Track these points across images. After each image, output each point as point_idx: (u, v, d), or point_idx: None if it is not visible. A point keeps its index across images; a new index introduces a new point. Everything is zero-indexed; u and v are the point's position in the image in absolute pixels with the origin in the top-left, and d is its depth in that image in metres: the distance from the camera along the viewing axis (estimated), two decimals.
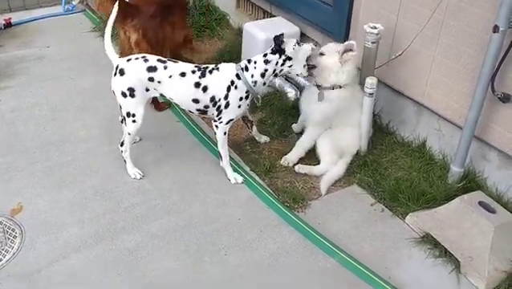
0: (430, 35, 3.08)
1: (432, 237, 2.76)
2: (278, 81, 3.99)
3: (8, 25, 4.98)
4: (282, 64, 2.95)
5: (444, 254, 2.70)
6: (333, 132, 3.29)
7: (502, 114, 2.84)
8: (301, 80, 3.85)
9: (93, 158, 3.33)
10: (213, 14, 5.12)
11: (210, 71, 2.97)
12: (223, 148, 3.13)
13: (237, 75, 2.95)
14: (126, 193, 3.07)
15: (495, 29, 2.57)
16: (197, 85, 2.94)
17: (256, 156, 3.42)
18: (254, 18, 4.77)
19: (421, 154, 3.32)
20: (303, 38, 4.11)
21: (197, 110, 3.05)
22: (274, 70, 2.96)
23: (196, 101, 2.98)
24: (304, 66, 2.99)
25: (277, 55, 2.92)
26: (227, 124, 3.04)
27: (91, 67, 4.34)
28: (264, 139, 3.52)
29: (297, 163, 3.32)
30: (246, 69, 2.95)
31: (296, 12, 4.11)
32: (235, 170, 3.22)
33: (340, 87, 3.14)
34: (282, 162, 3.33)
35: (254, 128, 3.46)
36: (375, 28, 3.14)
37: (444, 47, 3.05)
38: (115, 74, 2.95)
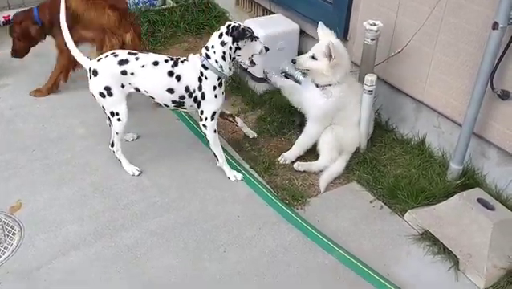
0: (429, 32, 3.08)
1: (430, 234, 2.77)
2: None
3: (7, 22, 4.95)
4: (235, 51, 2.93)
5: (443, 251, 2.70)
6: (336, 129, 3.27)
7: (501, 111, 2.84)
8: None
9: (92, 156, 3.33)
10: (212, 11, 5.12)
11: (182, 61, 2.98)
12: (216, 147, 3.11)
13: (204, 66, 2.92)
14: (125, 191, 3.07)
15: (494, 26, 2.57)
16: (171, 74, 2.92)
17: (255, 153, 3.42)
18: (254, 15, 4.76)
19: (420, 151, 3.32)
20: (303, 35, 4.11)
21: (173, 102, 3.00)
22: (230, 54, 2.93)
23: (170, 91, 2.95)
24: (249, 58, 3.01)
25: (230, 38, 2.87)
26: (212, 119, 3.01)
27: None
28: (252, 134, 3.53)
29: (295, 161, 3.32)
30: (208, 57, 2.91)
31: (296, 9, 4.11)
32: (233, 168, 3.22)
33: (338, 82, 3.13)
34: (279, 160, 3.33)
35: (238, 119, 3.48)
36: (375, 25, 3.13)
37: (443, 44, 3.04)
38: (90, 76, 2.95)
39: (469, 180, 3.03)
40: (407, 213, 2.92)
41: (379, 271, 2.59)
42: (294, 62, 3.17)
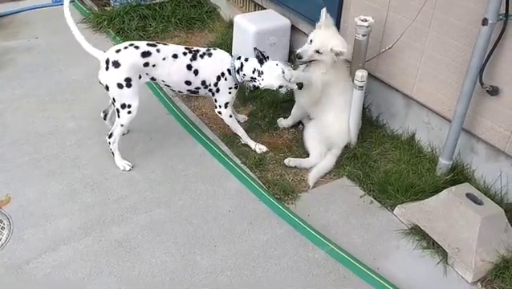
0: (420, 28, 3.10)
1: (420, 228, 2.79)
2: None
3: None
4: (255, 78, 3.12)
5: (432, 245, 2.73)
6: (318, 123, 3.30)
7: (490, 107, 2.86)
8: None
9: (82, 150, 3.31)
10: (203, 6, 5.11)
11: (202, 56, 3.07)
12: (236, 129, 3.34)
13: (229, 70, 3.10)
14: (115, 185, 3.06)
15: (484, 22, 2.59)
16: (189, 67, 3.05)
17: (246, 148, 3.42)
18: (245, 10, 4.76)
19: (410, 147, 3.34)
20: (294, 30, 4.12)
21: (188, 90, 3.16)
22: (255, 85, 3.15)
23: (188, 83, 3.09)
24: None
25: (257, 74, 3.09)
26: (226, 107, 3.20)
27: (80, 58, 4.26)
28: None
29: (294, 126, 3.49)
30: (238, 72, 3.10)
31: (287, 5, 4.11)
32: (225, 163, 3.23)
33: None
34: (278, 121, 3.61)
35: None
36: (366, 21, 3.14)
37: (433, 41, 3.06)
38: (107, 68, 2.93)
39: (458, 175, 3.06)
40: (396, 208, 2.94)
41: (368, 265, 2.61)
42: (299, 57, 3.20)
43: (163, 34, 4.78)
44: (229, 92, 3.17)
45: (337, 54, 3.10)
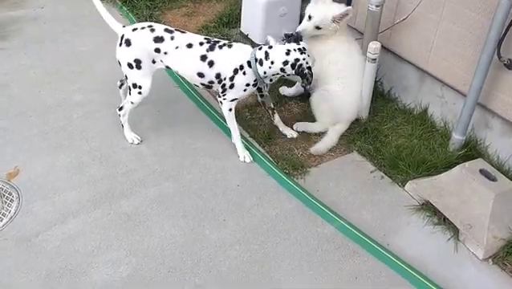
0: None
1: (431, 204, 2.76)
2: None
3: None
4: (291, 75, 2.87)
5: (443, 221, 2.70)
6: (325, 92, 3.21)
7: (507, 81, 2.78)
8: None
9: (90, 123, 3.28)
10: None
11: (220, 46, 2.85)
12: (231, 123, 3.04)
13: (249, 63, 2.82)
14: (124, 158, 3.04)
15: None
16: (203, 58, 2.83)
17: (255, 122, 3.37)
18: None
19: (423, 121, 3.28)
20: (306, 2, 4.01)
21: (202, 84, 2.96)
22: (283, 75, 2.89)
23: (201, 75, 2.89)
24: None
25: (293, 72, 2.79)
26: (231, 101, 2.95)
27: (88, 28, 4.24)
28: (290, 134, 3.25)
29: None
30: (261, 63, 2.80)
31: None
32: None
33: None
34: (280, 90, 3.51)
35: (276, 116, 3.25)
36: None
37: (450, 12, 2.96)
38: (120, 44, 2.86)
39: (471, 151, 3.01)
40: (407, 184, 2.90)
41: (378, 241, 2.59)
42: (300, 37, 3.00)
43: (170, 3, 4.67)
44: (245, 90, 2.89)
45: (341, 19, 3.01)
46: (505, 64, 2.70)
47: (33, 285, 2.32)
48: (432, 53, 3.14)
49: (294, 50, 2.77)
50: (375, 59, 3.08)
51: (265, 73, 2.83)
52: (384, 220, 2.74)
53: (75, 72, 3.77)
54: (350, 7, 3.02)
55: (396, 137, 3.21)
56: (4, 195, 2.75)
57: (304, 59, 2.77)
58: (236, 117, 3.39)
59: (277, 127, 3.27)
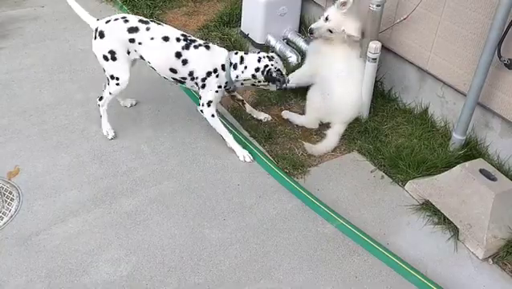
0: None
1: (431, 204, 2.76)
2: (279, 46, 3.91)
3: None
4: (263, 85, 2.98)
5: (443, 221, 2.70)
6: (324, 90, 3.22)
7: (508, 80, 2.78)
8: (301, 44, 3.79)
9: (90, 122, 3.28)
10: None
11: (196, 46, 2.87)
12: (219, 129, 3.05)
13: (223, 66, 2.89)
14: (124, 157, 3.04)
15: None
16: (178, 55, 2.85)
17: (256, 122, 3.37)
18: None
19: (423, 121, 3.28)
20: (306, 2, 4.01)
21: (173, 79, 2.97)
22: (254, 83, 2.98)
23: (173, 71, 2.90)
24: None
25: (263, 78, 2.91)
26: (209, 106, 2.97)
27: (88, 27, 4.17)
28: (265, 117, 3.35)
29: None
30: (235, 67, 2.90)
31: None
32: (234, 137, 3.18)
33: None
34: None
35: (247, 105, 3.35)
36: None
37: (450, 11, 2.96)
38: (95, 37, 2.88)
39: (472, 150, 3.01)
40: (408, 183, 2.90)
41: (378, 240, 2.59)
42: (311, 32, 3.22)
43: (170, 3, 4.67)
44: (216, 91, 2.93)
45: (349, 37, 3.13)
46: (505, 64, 2.70)
47: (33, 284, 2.32)
48: (432, 53, 3.14)
49: (264, 57, 2.91)
50: (375, 59, 3.08)
51: (237, 77, 2.92)
52: (384, 219, 2.74)
53: (75, 71, 3.77)
54: (358, 36, 3.11)
55: (397, 137, 3.21)
56: (4, 194, 2.75)
57: (272, 65, 2.89)
58: (236, 116, 3.41)
59: (251, 115, 3.36)
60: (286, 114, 3.37)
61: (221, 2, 4.70)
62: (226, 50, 2.96)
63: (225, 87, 2.97)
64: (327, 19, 3.15)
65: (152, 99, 3.48)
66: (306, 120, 3.31)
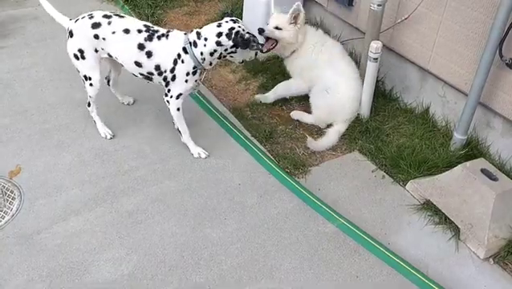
0: None
1: (432, 204, 2.76)
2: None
3: None
4: (230, 52, 2.78)
5: (444, 220, 2.70)
6: (323, 91, 3.24)
7: (509, 80, 2.78)
8: None
9: (91, 121, 3.28)
10: None
11: (159, 37, 2.77)
12: (180, 123, 3.00)
13: (185, 49, 2.74)
14: (126, 157, 3.04)
15: None
16: (141, 47, 2.75)
17: (257, 121, 3.37)
18: None
19: (424, 121, 3.28)
20: (308, 1, 4.00)
21: (141, 74, 2.87)
22: (221, 53, 2.78)
23: (138, 65, 2.81)
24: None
25: (230, 43, 2.71)
26: (177, 98, 2.88)
27: None
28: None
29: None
30: (195, 44, 2.72)
31: None
32: (235, 136, 3.19)
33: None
34: (256, 97, 3.52)
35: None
36: None
37: (452, 11, 2.96)
38: (67, 37, 2.88)
39: (473, 150, 3.01)
40: (409, 183, 2.90)
41: (379, 240, 2.59)
42: (261, 31, 3.22)
43: (172, 2, 4.68)
44: (186, 81, 2.80)
45: (295, 18, 3.19)
46: (507, 63, 2.69)
47: (34, 283, 2.32)
48: (433, 52, 3.14)
49: (226, 22, 2.72)
50: (376, 59, 3.08)
51: (202, 54, 2.73)
52: (385, 219, 2.74)
53: (76, 70, 3.75)
54: (298, 3, 3.16)
55: (398, 137, 3.21)
56: (6, 193, 2.75)
57: (240, 27, 2.70)
58: (237, 116, 3.40)
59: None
60: (295, 115, 3.38)
61: (223, 1, 4.70)
62: (183, 33, 2.81)
63: (194, 72, 2.80)
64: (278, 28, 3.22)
65: (152, 98, 3.48)
66: (315, 118, 3.33)
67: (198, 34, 2.75)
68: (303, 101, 3.50)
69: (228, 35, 2.70)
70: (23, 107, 3.38)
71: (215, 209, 2.74)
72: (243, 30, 2.72)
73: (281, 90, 3.45)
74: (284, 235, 2.62)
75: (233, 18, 2.77)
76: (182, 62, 2.76)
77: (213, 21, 4.28)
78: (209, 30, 2.74)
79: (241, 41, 2.69)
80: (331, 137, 3.20)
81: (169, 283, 2.35)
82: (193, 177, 2.93)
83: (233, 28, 2.71)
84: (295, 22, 3.20)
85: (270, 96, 3.48)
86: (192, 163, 3.03)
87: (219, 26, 2.73)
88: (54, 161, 2.97)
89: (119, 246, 2.51)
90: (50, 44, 4.06)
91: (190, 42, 2.74)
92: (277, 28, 3.21)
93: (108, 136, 3.14)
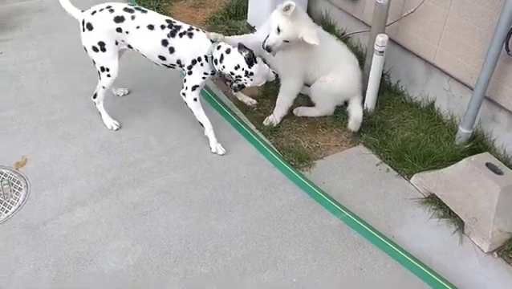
0: None
1: (436, 197, 2.76)
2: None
3: None
4: (241, 77, 2.82)
5: (449, 214, 2.70)
6: (325, 82, 3.20)
7: None
8: None
9: (97, 113, 3.29)
10: None
11: (181, 34, 2.81)
12: (199, 115, 3.02)
13: (206, 57, 2.82)
14: (131, 149, 3.05)
15: None
16: (165, 43, 2.82)
17: (261, 114, 3.38)
18: None
19: (429, 115, 3.28)
20: None
21: (164, 64, 2.96)
22: (234, 77, 2.84)
23: (163, 58, 2.90)
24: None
25: (244, 74, 2.79)
26: (193, 90, 2.92)
27: None
28: (249, 101, 3.43)
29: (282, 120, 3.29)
30: (215, 62, 2.80)
31: None
32: (240, 129, 3.19)
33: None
34: (264, 123, 3.26)
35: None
36: None
37: (458, 5, 2.95)
38: (83, 29, 2.88)
39: (478, 144, 3.00)
40: (413, 177, 2.90)
41: (383, 233, 2.60)
42: (269, 50, 2.93)
43: None
44: (203, 78, 2.90)
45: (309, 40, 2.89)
46: None
47: (40, 272, 2.34)
48: (439, 46, 3.13)
49: (243, 69, 2.77)
50: (382, 52, 3.08)
51: (220, 70, 2.84)
52: (389, 212, 2.75)
53: (81, 62, 3.76)
54: (317, 43, 2.87)
55: (403, 130, 3.21)
56: (12, 184, 2.77)
57: (245, 80, 2.81)
58: (242, 110, 3.40)
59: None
60: (300, 111, 3.35)
61: None
62: (209, 41, 2.83)
63: (212, 73, 2.91)
64: (278, 30, 2.88)
65: (158, 90, 3.49)
66: (321, 110, 3.32)
67: (222, 57, 2.78)
68: (302, 97, 3.50)
69: (235, 78, 2.82)
70: (29, 99, 3.39)
71: (220, 201, 2.75)
72: (245, 81, 2.81)
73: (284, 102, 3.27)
74: (288, 227, 2.63)
75: (249, 71, 2.78)
76: (201, 65, 2.86)
77: (218, 14, 4.33)
78: (229, 64, 2.78)
79: (235, 82, 2.84)
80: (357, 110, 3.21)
81: (174, 274, 2.37)
82: (199, 169, 2.95)
83: (240, 77, 2.80)
84: (291, 18, 2.89)
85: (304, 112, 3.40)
86: (197, 155, 3.04)
87: (236, 68, 2.77)
88: (60, 153, 2.99)
89: (125, 236, 2.53)
90: (56, 36, 4.07)
91: (212, 57, 2.80)
92: (286, 41, 2.93)
93: (115, 127, 3.15)
